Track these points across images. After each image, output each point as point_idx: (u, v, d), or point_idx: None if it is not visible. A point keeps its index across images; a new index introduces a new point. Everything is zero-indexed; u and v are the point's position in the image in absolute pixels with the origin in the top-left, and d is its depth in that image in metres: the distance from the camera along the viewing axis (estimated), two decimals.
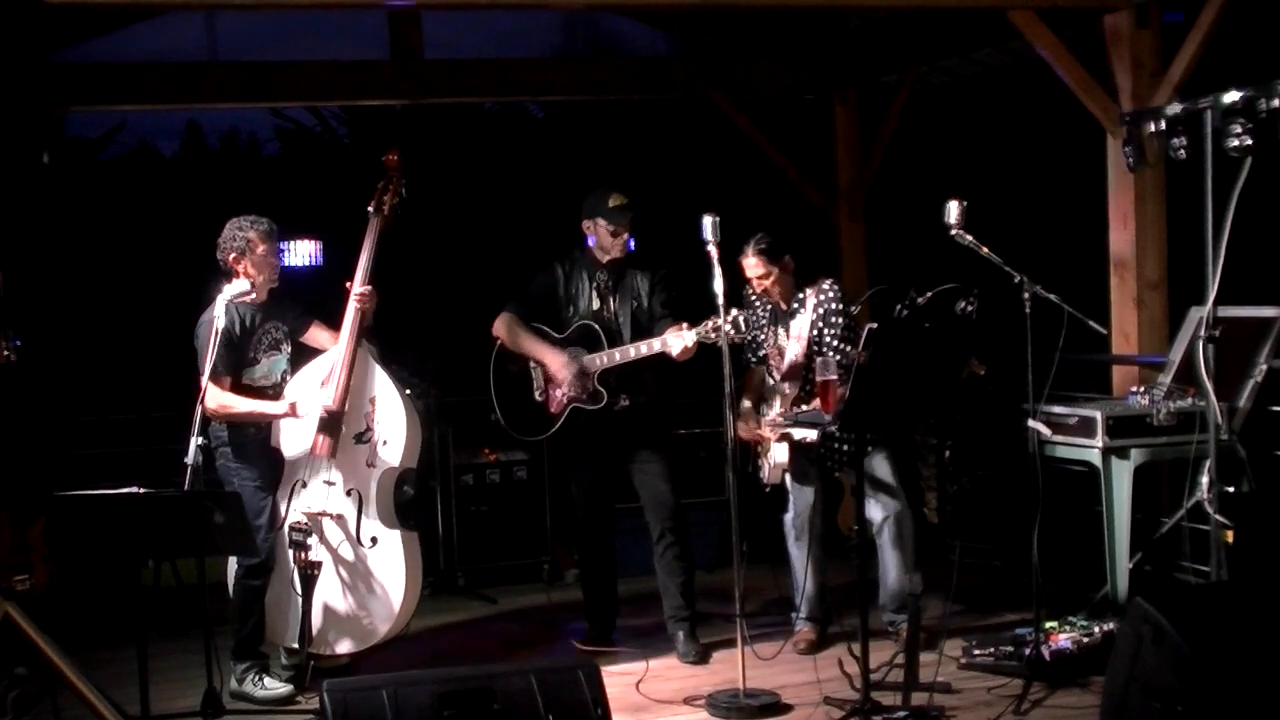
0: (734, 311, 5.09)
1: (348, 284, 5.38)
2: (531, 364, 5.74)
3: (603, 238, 5.64)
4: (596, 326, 5.59)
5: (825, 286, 5.56)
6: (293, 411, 5.22)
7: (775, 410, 5.53)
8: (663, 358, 5.41)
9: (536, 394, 5.73)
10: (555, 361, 5.61)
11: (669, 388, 5.80)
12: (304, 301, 5.56)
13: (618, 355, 5.51)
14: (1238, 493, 5.22)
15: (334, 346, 5.37)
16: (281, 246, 5.52)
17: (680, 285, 5.71)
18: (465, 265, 10.99)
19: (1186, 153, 5.41)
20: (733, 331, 5.08)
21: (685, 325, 5.30)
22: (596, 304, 5.68)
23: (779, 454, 5.52)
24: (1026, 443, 5.15)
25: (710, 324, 5.14)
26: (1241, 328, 5.49)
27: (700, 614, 5.84)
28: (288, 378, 5.39)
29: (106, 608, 6.31)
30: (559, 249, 5.83)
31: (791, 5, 7.09)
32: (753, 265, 5.53)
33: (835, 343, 5.47)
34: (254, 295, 5.22)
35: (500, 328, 5.77)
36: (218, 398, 5.09)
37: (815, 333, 5.49)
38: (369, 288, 5.34)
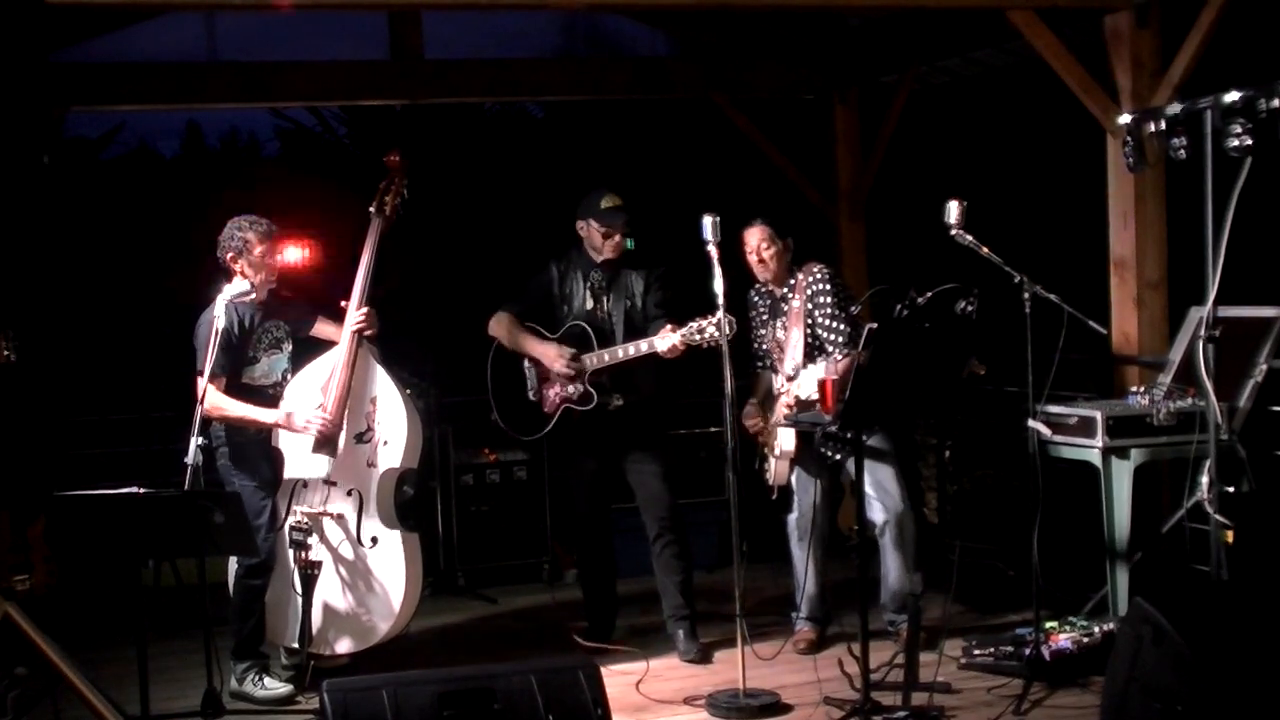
0: (719, 314, 5.06)
1: (343, 303, 5.35)
2: (525, 363, 5.74)
3: (594, 238, 5.65)
4: (587, 326, 5.59)
5: (814, 269, 5.59)
6: (288, 423, 5.22)
7: (781, 400, 5.52)
8: (656, 357, 5.42)
9: (530, 393, 5.74)
10: (549, 352, 5.61)
11: (666, 388, 5.80)
12: (306, 300, 5.54)
13: (606, 356, 5.52)
14: (1238, 493, 5.22)
15: (335, 348, 5.36)
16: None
17: (677, 285, 5.71)
18: (465, 265, 10.99)
19: (1186, 153, 5.41)
20: (717, 334, 5.07)
21: (671, 326, 5.30)
22: (590, 304, 5.68)
23: (786, 441, 5.50)
24: (1026, 443, 5.15)
25: (695, 325, 5.15)
26: (1241, 328, 5.49)
27: (700, 614, 5.84)
28: (288, 377, 5.39)
29: (106, 608, 6.31)
30: (559, 249, 5.83)
31: (791, 5, 7.09)
32: (755, 234, 5.56)
33: (826, 321, 5.47)
34: (254, 295, 5.22)
35: (495, 326, 5.78)
36: (213, 399, 5.09)
37: (807, 314, 5.51)
38: (365, 310, 5.30)
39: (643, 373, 5.63)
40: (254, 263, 5.23)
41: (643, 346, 5.41)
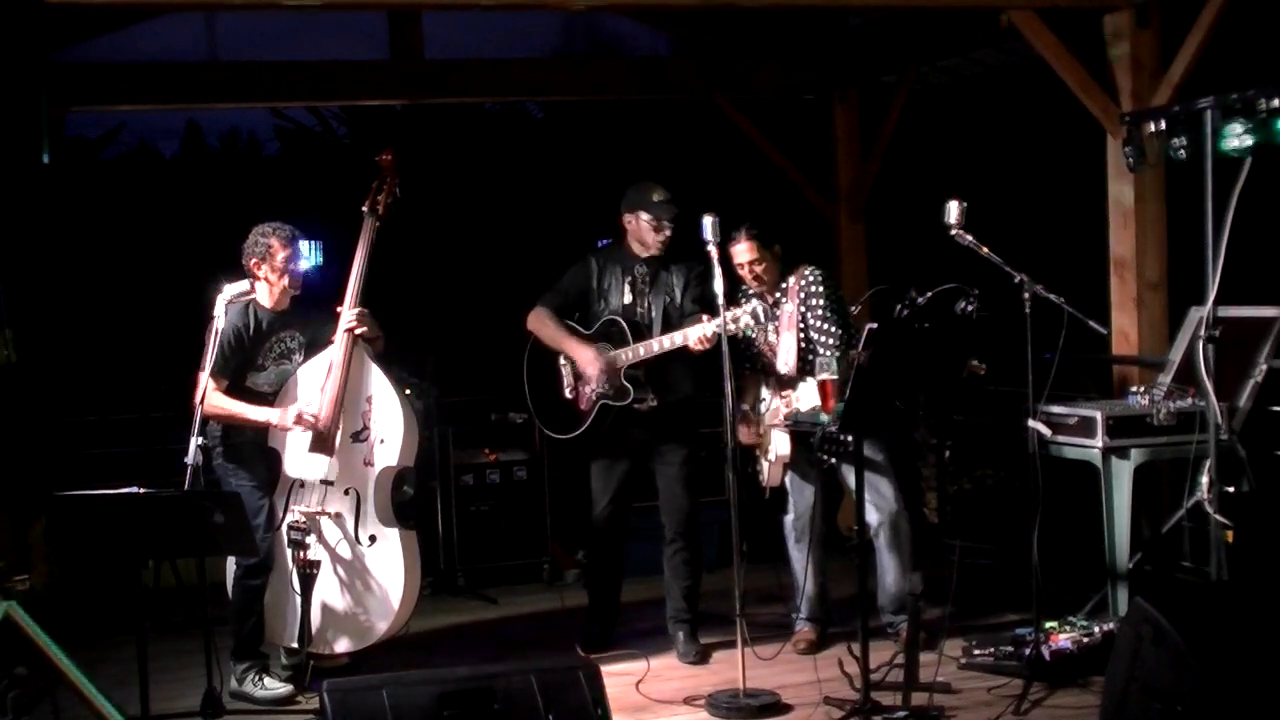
0: (754, 303, 5.09)
1: (337, 308, 5.33)
2: (561, 360, 5.71)
3: (644, 232, 5.62)
4: (623, 322, 5.57)
5: (805, 271, 5.57)
6: (280, 422, 5.21)
7: (775, 406, 5.52)
8: (692, 357, 5.38)
9: (566, 391, 5.70)
10: (584, 356, 5.59)
11: (699, 390, 5.74)
12: (327, 307, 5.48)
13: (642, 350, 5.48)
14: (1238, 493, 5.22)
15: (330, 348, 5.34)
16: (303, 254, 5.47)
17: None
18: (465, 265, 10.98)
19: (1186, 153, 5.41)
20: (752, 323, 5.09)
21: (706, 317, 5.29)
22: (629, 299, 5.65)
23: (781, 445, 5.50)
24: (1026, 443, 5.15)
25: (728, 315, 5.12)
26: (1241, 328, 5.49)
27: (700, 614, 5.83)
28: None
29: (106, 608, 6.31)
30: (560, 248, 5.82)
31: (791, 5, 7.09)
32: (743, 250, 5.51)
33: (818, 324, 5.47)
34: (254, 295, 5.22)
35: (533, 321, 5.75)
36: (211, 399, 5.09)
37: (800, 318, 5.50)
38: (357, 311, 5.27)
39: (679, 373, 5.60)
40: (276, 268, 5.23)
41: (676, 339, 5.37)
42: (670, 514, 5.72)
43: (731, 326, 5.10)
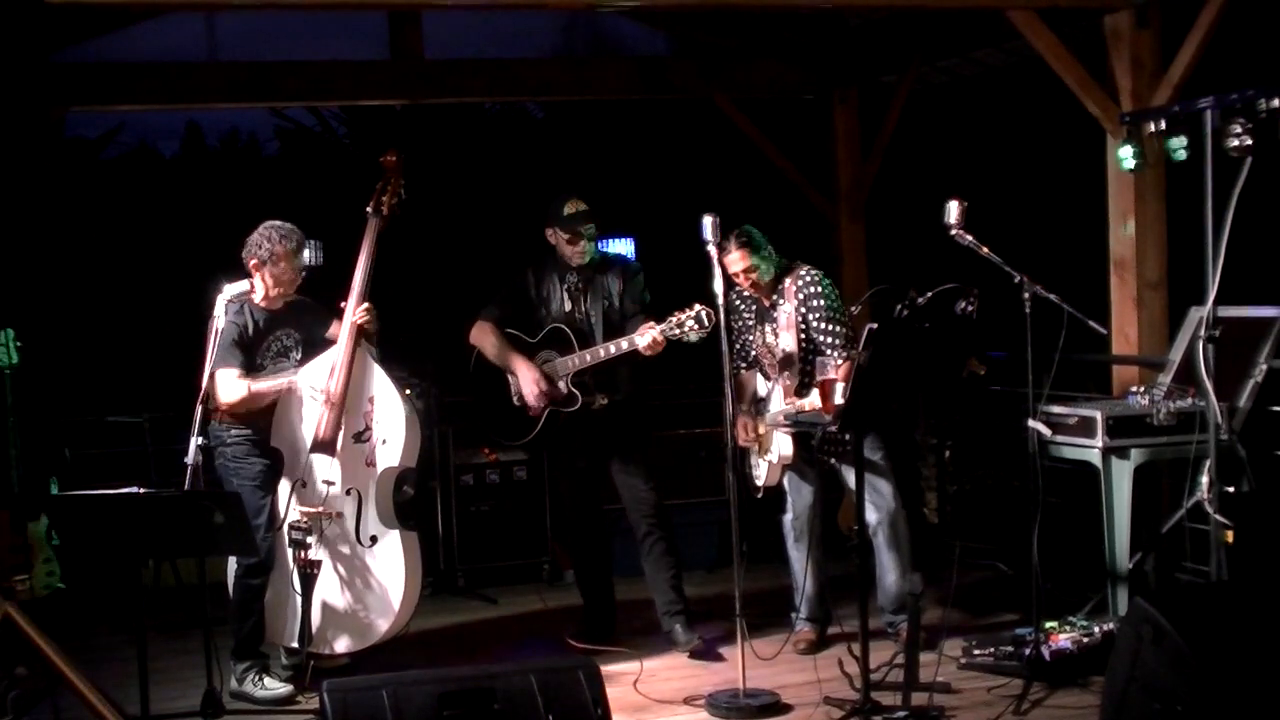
0: (697, 306, 5.09)
1: (341, 304, 5.33)
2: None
3: (560, 245, 5.68)
4: (567, 329, 5.61)
5: (802, 272, 5.57)
6: (292, 388, 5.23)
7: (775, 408, 5.53)
8: (635, 356, 5.42)
9: (515, 398, 5.74)
10: (525, 380, 5.62)
11: (644, 386, 5.81)
12: (322, 306, 5.47)
13: (588, 357, 5.52)
14: (1238, 493, 5.22)
15: (333, 348, 5.34)
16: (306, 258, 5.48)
17: (663, 283, 5.71)
18: (465, 265, 10.98)
19: (1186, 153, 5.42)
20: (697, 327, 5.10)
21: (652, 322, 5.31)
22: (568, 306, 5.70)
23: (783, 446, 5.51)
24: (1026, 443, 5.15)
25: (675, 319, 5.18)
26: (1241, 328, 5.49)
27: (700, 614, 5.83)
28: None
29: (106, 608, 6.31)
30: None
31: (791, 5, 7.09)
32: (735, 260, 5.50)
33: (821, 325, 5.46)
34: (251, 293, 5.22)
35: (475, 334, 5.79)
36: (232, 387, 5.10)
37: (800, 319, 5.50)
38: (366, 305, 5.28)
39: (624, 372, 5.64)
40: (277, 274, 5.24)
41: (623, 345, 5.41)
42: (636, 510, 5.73)
43: (676, 331, 5.18)
